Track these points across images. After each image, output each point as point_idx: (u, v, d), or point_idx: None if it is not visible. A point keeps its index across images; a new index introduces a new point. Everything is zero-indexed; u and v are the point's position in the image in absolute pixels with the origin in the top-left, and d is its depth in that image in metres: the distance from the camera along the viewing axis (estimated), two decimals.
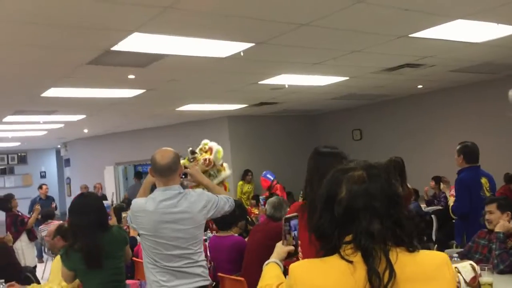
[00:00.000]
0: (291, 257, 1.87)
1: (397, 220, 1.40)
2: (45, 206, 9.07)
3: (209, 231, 5.52)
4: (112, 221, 3.50)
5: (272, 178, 8.53)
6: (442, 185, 7.55)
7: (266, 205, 4.29)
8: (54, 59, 5.09)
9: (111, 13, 3.80)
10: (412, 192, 5.46)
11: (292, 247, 1.89)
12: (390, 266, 1.32)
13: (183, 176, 3.15)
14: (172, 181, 2.89)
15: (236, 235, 4.95)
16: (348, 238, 1.38)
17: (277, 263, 1.84)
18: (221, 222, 4.59)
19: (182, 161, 4.68)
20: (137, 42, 4.54)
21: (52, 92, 6.61)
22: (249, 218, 6.01)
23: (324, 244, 1.45)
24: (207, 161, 6.57)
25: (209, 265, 4.69)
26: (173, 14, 3.86)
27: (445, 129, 9.53)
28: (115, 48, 4.67)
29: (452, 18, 4.59)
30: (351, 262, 1.34)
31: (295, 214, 1.96)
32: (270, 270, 1.80)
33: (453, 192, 5.33)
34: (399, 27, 4.83)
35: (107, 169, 12.53)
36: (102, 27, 4.15)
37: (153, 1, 3.61)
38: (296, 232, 1.90)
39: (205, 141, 6.66)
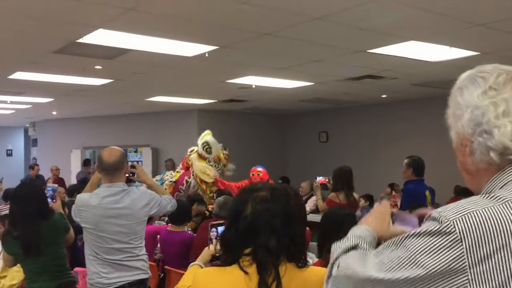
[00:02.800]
0: (215, 261, 2.05)
1: (293, 238, 1.60)
2: None
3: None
4: (57, 204, 3.60)
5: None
6: (393, 193, 7.90)
7: (214, 204, 4.47)
8: (20, 45, 5.15)
9: (77, 9, 3.90)
10: (358, 201, 5.72)
11: (215, 251, 2.08)
12: (278, 278, 1.53)
13: (131, 175, 3.31)
14: (117, 178, 3.04)
15: (189, 230, 5.12)
16: (248, 251, 1.58)
17: (200, 266, 2.02)
18: (176, 218, 4.76)
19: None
20: (102, 37, 4.65)
21: (19, 75, 6.64)
22: (207, 212, 6.19)
23: (228, 255, 1.65)
24: (227, 157, 6.81)
25: (159, 257, 4.87)
26: (136, 15, 3.99)
27: (408, 138, 9.86)
28: (81, 40, 4.77)
29: (405, 39, 4.85)
30: (246, 272, 1.54)
31: (222, 221, 2.15)
32: (191, 272, 1.98)
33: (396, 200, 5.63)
34: (357, 43, 5.06)
35: (74, 152, 12.51)
36: (68, 21, 4.24)
37: (116, 2, 3.73)
38: None
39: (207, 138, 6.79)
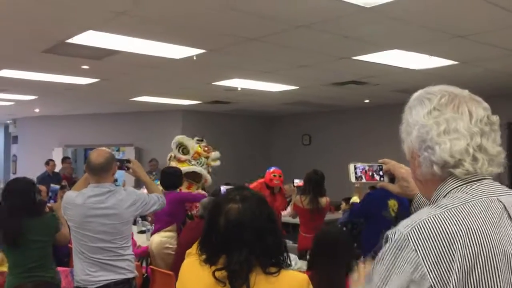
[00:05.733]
0: None
1: (265, 249, 1.65)
2: (52, 183, 8.27)
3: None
4: (57, 204, 3.65)
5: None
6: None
7: (199, 205, 4.55)
8: (10, 44, 5.15)
9: (69, 11, 3.96)
10: (325, 207, 5.52)
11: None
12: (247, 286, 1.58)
13: (126, 169, 3.36)
14: (104, 179, 3.09)
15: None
16: (222, 260, 1.63)
17: None
18: (167, 184, 4.95)
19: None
20: (91, 38, 4.69)
21: (4, 73, 6.62)
22: (189, 213, 6.24)
23: (206, 258, 1.69)
24: (207, 149, 6.83)
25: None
26: (127, 19, 4.05)
27: (389, 142, 9.98)
28: (70, 41, 4.80)
29: (389, 48, 5.01)
30: (219, 280, 1.60)
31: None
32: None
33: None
34: (342, 51, 5.20)
35: (56, 150, 12.41)
36: (60, 21, 4.29)
37: (108, 6, 3.79)
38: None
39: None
